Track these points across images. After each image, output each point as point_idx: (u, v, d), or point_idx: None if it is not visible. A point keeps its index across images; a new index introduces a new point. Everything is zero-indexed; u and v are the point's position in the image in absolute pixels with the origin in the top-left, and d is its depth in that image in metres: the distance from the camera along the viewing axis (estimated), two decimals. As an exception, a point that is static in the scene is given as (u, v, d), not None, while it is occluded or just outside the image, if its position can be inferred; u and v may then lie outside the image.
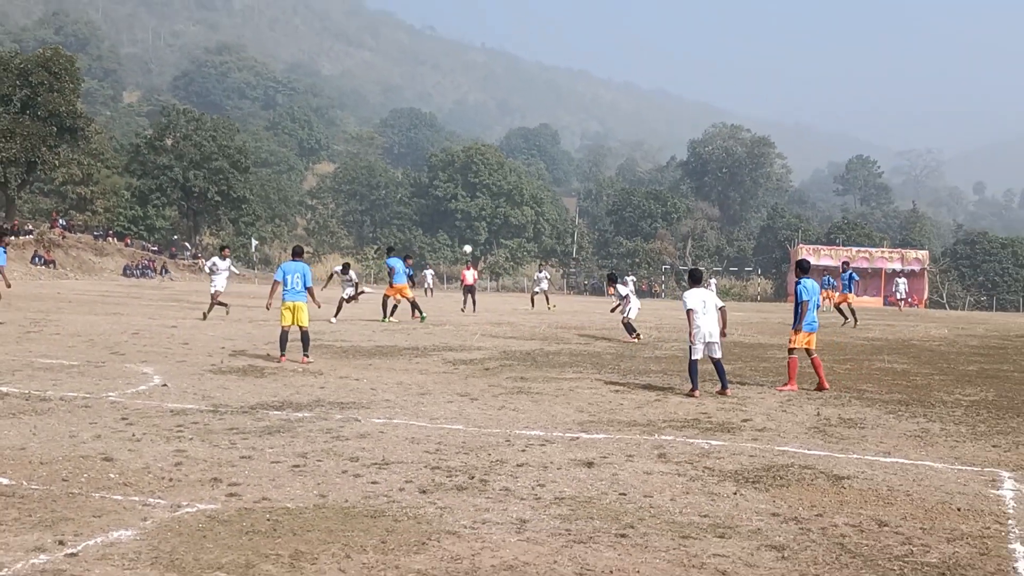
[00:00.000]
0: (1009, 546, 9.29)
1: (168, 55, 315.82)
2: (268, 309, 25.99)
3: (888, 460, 13.17)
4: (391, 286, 38.91)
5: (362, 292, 40.58)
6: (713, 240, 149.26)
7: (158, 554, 8.18)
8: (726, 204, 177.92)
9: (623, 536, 9.19)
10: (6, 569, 7.66)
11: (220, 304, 37.22)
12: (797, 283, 21.35)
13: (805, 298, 20.75)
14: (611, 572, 8.12)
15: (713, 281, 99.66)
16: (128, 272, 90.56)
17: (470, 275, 53.36)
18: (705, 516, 10.04)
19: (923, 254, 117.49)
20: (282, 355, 23.42)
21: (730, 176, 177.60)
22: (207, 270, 38.97)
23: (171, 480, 10.90)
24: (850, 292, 44.65)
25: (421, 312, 39.63)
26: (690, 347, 19.70)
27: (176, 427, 14.09)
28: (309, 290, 23.84)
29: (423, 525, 9.36)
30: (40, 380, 18.36)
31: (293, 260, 24.47)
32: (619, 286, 35.41)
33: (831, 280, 45.95)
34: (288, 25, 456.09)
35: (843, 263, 50.27)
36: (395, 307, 39.57)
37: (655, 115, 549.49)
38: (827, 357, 23.57)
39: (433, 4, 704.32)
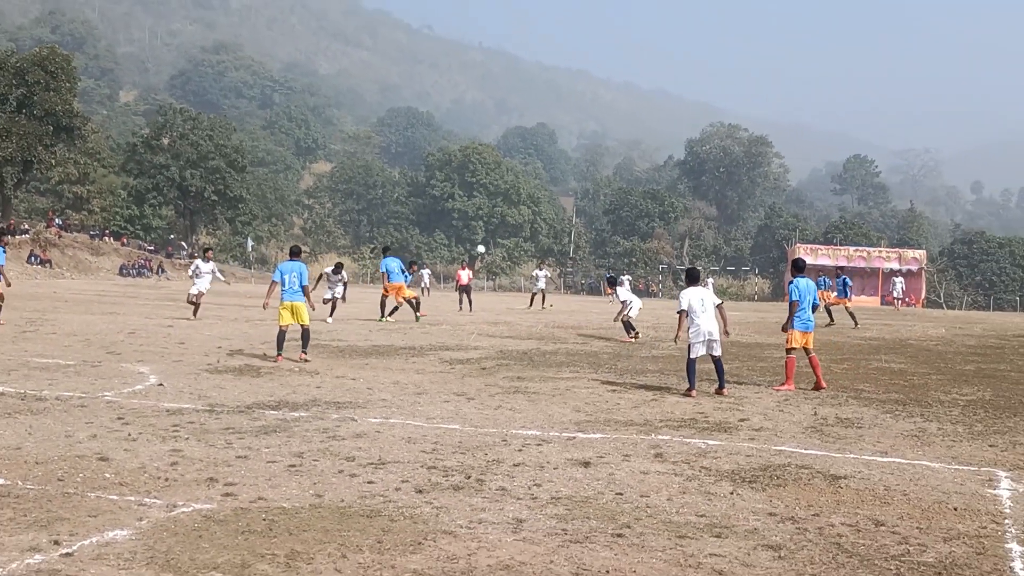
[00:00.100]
0: (1005, 545, 9.29)
1: (165, 54, 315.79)
2: (265, 308, 25.95)
3: (885, 460, 13.18)
4: (388, 286, 38.87)
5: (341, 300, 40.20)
6: (710, 240, 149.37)
7: (154, 554, 8.17)
8: (723, 204, 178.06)
9: (619, 536, 9.19)
10: (1, 569, 7.66)
11: (192, 304, 36.97)
12: (790, 283, 21.37)
13: (794, 298, 20.75)
14: (607, 572, 8.12)
15: (710, 281, 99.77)
16: (124, 271, 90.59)
17: (465, 275, 53.34)
18: (702, 516, 10.04)
19: (920, 254, 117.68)
20: (279, 355, 23.43)
21: (727, 175, 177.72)
22: (190, 273, 38.77)
23: (167, 480, 10.90)
24: (845, 297, 44.75)
25: (416, 311, 39.61)
26: (689, 346, 19.71)
27: (172, 427, 14.08)
28: (304, 288, 23.84)
29: (419, 525, 9.35)
30: (36, 379, 18.36)
31: (291, 260, 24.50)
32: (619, 289, 35.45)
33: (827, 281, 46.04)
34: (285, 24, 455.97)
35: (838, 269, 50.46)
36: (395, 308, 39.55)
37: (653, 115, 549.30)
38: (824, 357, 23.58)
39: (431, 3, 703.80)
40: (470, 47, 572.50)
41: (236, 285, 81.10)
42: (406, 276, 40.71)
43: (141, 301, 46.50)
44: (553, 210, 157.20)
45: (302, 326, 23.73)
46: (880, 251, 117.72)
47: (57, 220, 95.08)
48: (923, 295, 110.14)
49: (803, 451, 13.64)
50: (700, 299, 19.60)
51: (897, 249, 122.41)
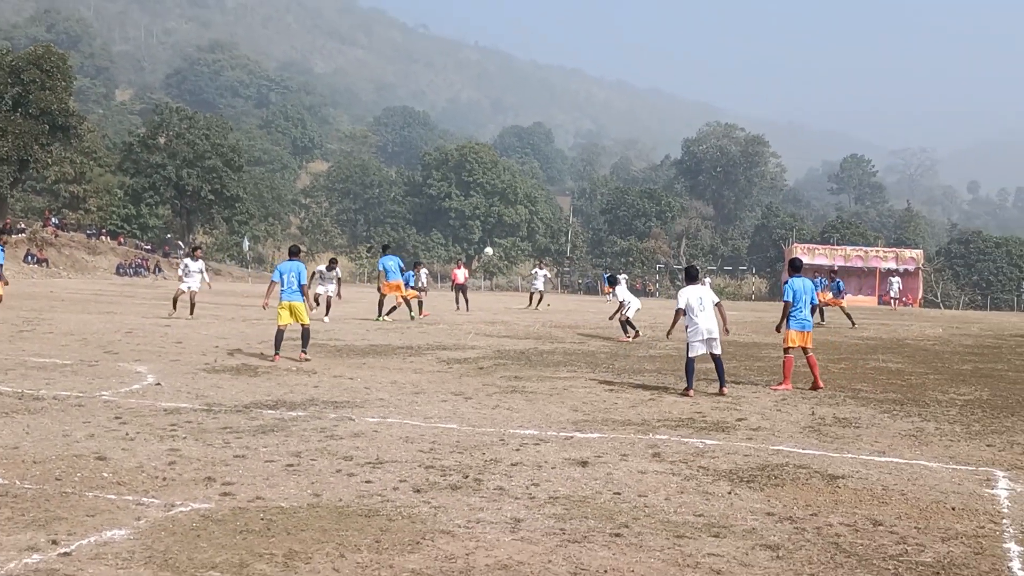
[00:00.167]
0: (1004, 545, 9.30)
1: (160, 53, 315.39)
2: (265, 308, 25.93)
3: (883, 459, 13.19)
4: (386, 284, 38.82)
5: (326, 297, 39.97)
6: (707, 239, 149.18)
7: (152, 553, 8.18)
8: (720, 203, 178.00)
9: (618, 535, 9.20)
10: (0, 569, 7.67)
11: (174, 303, 36.71)
12: (785, 283, 21.40)
13: (787, 298, 20.82)
14: (605, 572, 8.12)
15: (708, 280, 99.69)
16: (121, 271, 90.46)
17: (461, 274, 53.18)
18: (700, 515, 10.05)
19: (917, 253, 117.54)
20: (276, 354, 23.43)
21: (724, 175, 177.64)
22: (180, 272, 38.62)
23: (165, 479, 10.90)
24: (839, 297, 44.88)
25: (411, 310, 39.58)
26: (687, 345, 19.72)
27: (170, 426, 14.09)
28: (303, 287, 23.86)
29: (417, 524, 9.36)
30: (33, 379, 18.36)
31: (290, 260, 24.50)
32: (617, 288, 35.45)
33: (824, 281, 46.07)
34: (281, 23, 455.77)
35: (831, 271, 50.59)
36: (394, 308, 39.51)
37: (649, 114, 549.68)
38: (822, 356, 23.59)
39: (426, 2, 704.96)
40: (465, 46, 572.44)
41: (233, 284, 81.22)
42: (409, 276, 40.76)
43: (138, 300, 46.52)
44: (550, 209, 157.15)
45: (302, 325, 23.76)
46: (877, 251, 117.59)
47: (53, 219, 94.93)
48: (920, 295, 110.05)
49: (801, 451, 13.65)
50: (699, 298, 19.57)
51: (894, 249, 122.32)
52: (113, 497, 10.05)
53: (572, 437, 14.26)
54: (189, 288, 36.65)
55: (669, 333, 21.17)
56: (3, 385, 17.37)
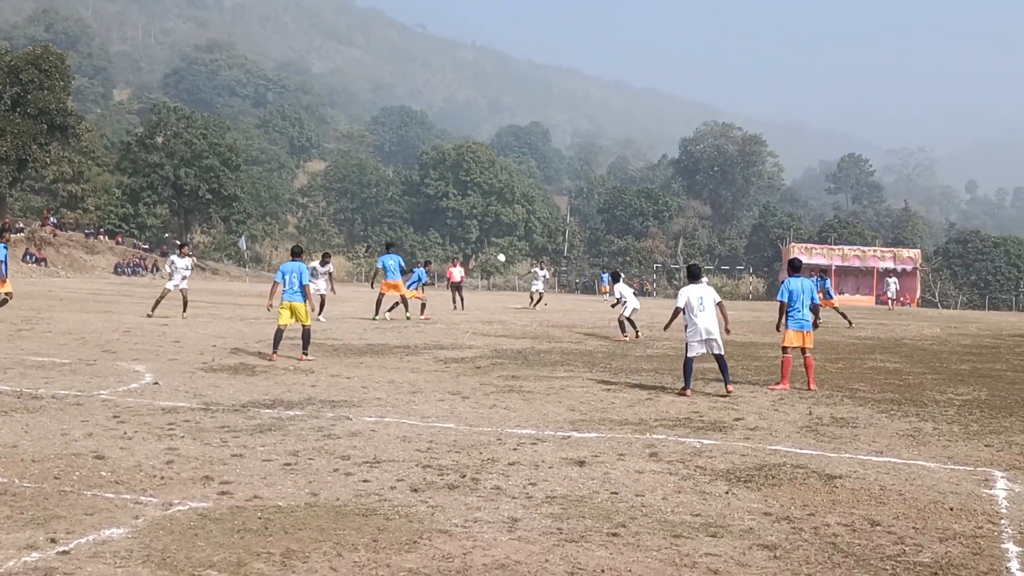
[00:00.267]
0: (1002, 546, 9.30)
1: (158, 53, 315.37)
2: (269, 310, 25.92)
3: (880, 459, 13.19)
4: (384, 283, 38.75)
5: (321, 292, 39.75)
6: (705, 239, 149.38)
7: (150, 552, 8.17)
8: (718, 202, 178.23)
9: (615, 535, 9.19)
10: (-2, 567, 7.67)
11: (160, 300, 36.27)
12: (782, 283, 21.44)
13: (781, 299, 20.89)
14: (603, 571, 8.12)
15: (704, 280, 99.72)
16: (119, 270, 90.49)
17: (457, 272, 52.95)
18: (697, 515, 10.05)
19: (915, 253, 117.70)
20: (274, 352, 23.44)
21: (722, 174, 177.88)
22: (168, 269, 38.24)
23: (163, 478, 10.90)
24: (830, 298, 44.99)
25: (407, 311, 39.52)
26: (686, 344, 19.71)
27: (167, 425, 14.08)
28: (304, 288, 23.87)
29: (414, 524, 9.36)
30: (32, 378, 18.35)
31: (292, 260, 24.51)
32: (617, 285, 35.41)
33: (820, 281, 46.09)
34: (278, 23, 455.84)
35: (820, 271, 50.69)
36: (395, 305, 39.50)
37: (646, 113, 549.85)
38: (819, 356, 23.60)
39: (424, 2, 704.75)
40: (462, 45, 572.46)
41: (231, 284, 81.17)
42: (421, 274, 40.79)
43: (136, 300, 46.47)
44: (547, 209, 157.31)
45: (303, 326, 23.78)
46: (875, 250, 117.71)
47: (52, 219, 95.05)
48: (918, 294, 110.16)
49: (798, 451, 13.65)
50: (699, 297, 19.52)
51: (892, 248, 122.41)
52: (111, 496, 10.05)
53: (569, 437, 14.26)
54: (175, 286, 36.38)
55: (667, 327, 21.18)
56: (2, 384, 17.36)
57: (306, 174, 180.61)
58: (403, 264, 39.29)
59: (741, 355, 28.01)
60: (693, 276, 20.43)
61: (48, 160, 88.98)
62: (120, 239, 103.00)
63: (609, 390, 19.65)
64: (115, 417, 14.59)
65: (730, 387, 19.35)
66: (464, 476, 11.43)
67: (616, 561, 8.39)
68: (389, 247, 41.73)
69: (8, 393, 16.40)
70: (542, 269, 59.96)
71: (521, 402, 17.55)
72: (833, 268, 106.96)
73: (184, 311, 36.00)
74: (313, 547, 8.48)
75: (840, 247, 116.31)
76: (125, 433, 13.38)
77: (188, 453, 12.21)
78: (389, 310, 39.18)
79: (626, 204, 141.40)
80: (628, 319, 33.92)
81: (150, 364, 21.37)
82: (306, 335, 23.87)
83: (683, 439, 14.32)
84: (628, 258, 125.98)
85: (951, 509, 10.57)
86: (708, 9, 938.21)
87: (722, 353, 19.56)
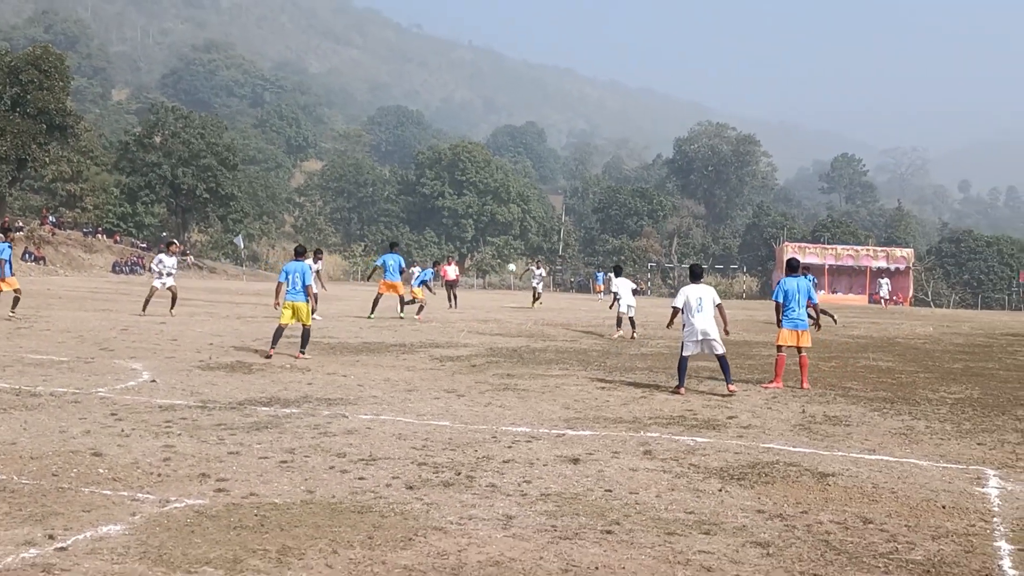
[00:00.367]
0: (994, 544, 9.30)
1: (157, 53, 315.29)
2: (275, 309, 25.95)
3: (873, 457, 13.20)
4: (383, 283, 38.74)
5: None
6: (699, 238, 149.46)
7: (146, 549, 8.17)
8: (712, 202, 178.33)
9: (609, 532, 9.20)
10: (-4, 564, 7.67)
11: (149, 298, 35.93)
12: (778, 283, 21.50)
13: (776, 299, 21.07)
14: (596, 568, 8.12)
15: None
16: (117, 269, 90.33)
17: (452, 271, 52.88)
18: (690, 513, 10.05)
19: (908, 252, 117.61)
20: (272, 348, 23.49)
21: (716, 174, 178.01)
22: (155, 267, 37.82)
23: (159, 475, 10.89)
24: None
25: (402, 310, 39.46)
26: (682, 343, 19.72)
27: (165, 423, 14.07)
28: (307, 288, 23.88)
29: (410, 521, 9.35)
30: (30, 376, 18.33)
31: (295, 260, 24.52)
32: (617, 279, 35.39)
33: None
34: (275, 23, 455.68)
35: (803, 269, 50.60)
36: (412, 301, 39.60)
37: (641, 113, 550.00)
38: (812, 355, 23.56)
39: (420, 2, 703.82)
40: (459, 45, 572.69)
41: (227, 282, 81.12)
42: (428, 273, 40.87)
43: (134, 298, 46.34)
44: (542, 208, 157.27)
45: (303, 326, 23.78)
46: (868, 250, 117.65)
47: (51, 217, 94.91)
48: (911, 294, 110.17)
49: (791, 448, 13.66)
50: (698, 297, 19.47)
51: (885, 248, 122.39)
52: (109, 493, 10.04)
53: (564, 435, 14.26)
54: (164, 284, 36.14)
55: (669, 325, 21.17)
56: (1, 381, 17.35)
57: (303, 173, 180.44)
58: (403, 266, 39.30)
59: (735, 353, 27.96)
60: (695, 276, 20.37)
61: (47, 159, 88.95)
62: (118, 238, 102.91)
63: (604, 388, 19.65)
64: (113, 415, 14.58)
65: (732, 387, 19.31)
66: (459, 474, 11.43)
67: (610, 558, 8.39)
68: (393, 246, 41.52)
69: (7, 390, 16.38)
70: (539, 268, 59.98)
71: (516, 400, 17.55)
72: (827, 267, 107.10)
73: (172, 308, 35.78)
74: (309, 544, 8.48)
75: (833, 246, 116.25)
76: (122, 431, 13.37)
77: (185, 450, 12.20)
78: (404, 306, 39.36)
79: (621, 203, 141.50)
80: (629, 318, 33.92)
81: (147, 362, 21.36)
82: (305, 334, 23.87)
83: (677, 437, 14.32)
84: (623, 257, 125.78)
85: (943, 507, 10.58)
86: (703, 10, 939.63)
87: (721, 353, 19.55)
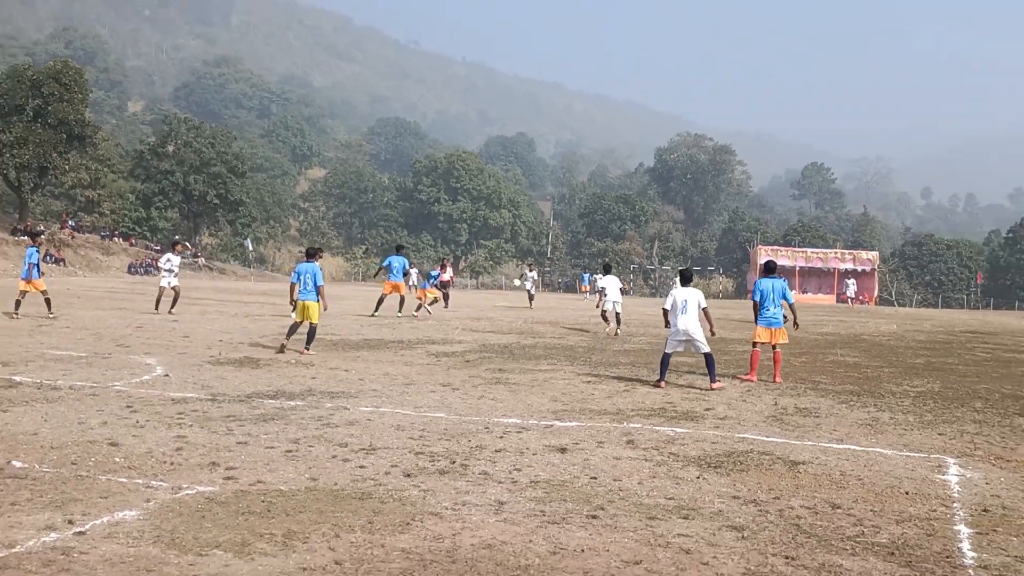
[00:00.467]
0: (954, 527, 9.32)
1: (170, 67, 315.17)
2: (292, 307, 25.99)
3: (841, 447, 13.20)
4: (386, 283, 38.81)
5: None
6: (678, 241, 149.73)
7: (160, 533, 8.17)
8: (690, 208, 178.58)
9: (594, 517, 9.20)
10: (19, 546, 7.66)
11: (160, 297, 35.80)
12: (755, 283, 21.61)
13: (754, 298, 21.31)
14: (582, 551, 8.13)
15: (677, 281, 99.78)
16: (132, 270, 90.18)
17: (446, 273, 52.90)
18: (670, 499, 10.05)
19: (874, 255, 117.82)
20: (286, 339, 23.75)
21: (694, 182, 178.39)
22: (161, 266, 37.60)
23: (172, 464, 10.88)
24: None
25: (400, 308, 39.44)
26: (666, 340, 19.79)
27: (177, 414, 14.05)
28: (319, 289, 23.87)
29: (407, 507, 9.35)
30: (51, 370, 18.29)
31: (307, 261, 24.51)
32: (604, 277, 35.35)
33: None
34: (282, 40, 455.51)
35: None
36: (435, 301, 39.72)
37: (626, 125, 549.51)
38: (784, 351, 23.56)
39: (417, 20, 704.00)
40: (454, 61, 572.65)
41: (237, 283, 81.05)
42: (433, 276, 40.91)
43: (148, 298, 46.17)
44: (532, 213, 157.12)
45: (310, 324, 23.76)
46: (836, 252, 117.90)
47: (70, 222, 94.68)
48: (876, 293, 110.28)
49: (764, 438, 13.66)
50: (684, 300, 19.57)
51: (852, 251, 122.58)
52: (124, 480, 10.03)
53: (552, 425, 14.24)
54: (168, 283, 36.04)
55: (666, 326, 21.19)
56: (23, 376, 17.31)
57: (307, 181, 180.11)
58: (407, 268, 39.44)
59: (711, 350, 28.02)
60: (685, 280, 20.56)
61: (67, 167, 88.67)
62: (133, 241, 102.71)
63: (589, 382, 19.64)
64: (128, 407, 14.55)
65: (715, 384, 19.29)
66: (454, 462, 11.42)
67: (595, 541, 8.40)
68: (399, 249, 41.49)
69: (29, 384, 16.36)
70: (531, 270, 59.89)
71: (507, 393, 17.53)
72: (797, 269, 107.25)
73: (172, 307, 35.63)
74: (313, 528, 8.48)
75: (804, 249, 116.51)
76: (137, 422, 13.35)
77: (196, 440, 12.18)
78: (421, 307, 39.57)
79: (605, 209, 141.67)
80: (616, 314, 33.88)
81: (161, 358, 21.32)
82: (311, 332, 23.83)
83: (658, 428, 14.31)
84: (607, 259, 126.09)
85: (907, 493, 10.59)
86: (689, 28, 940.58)
87: (706, 352, 19.58)
